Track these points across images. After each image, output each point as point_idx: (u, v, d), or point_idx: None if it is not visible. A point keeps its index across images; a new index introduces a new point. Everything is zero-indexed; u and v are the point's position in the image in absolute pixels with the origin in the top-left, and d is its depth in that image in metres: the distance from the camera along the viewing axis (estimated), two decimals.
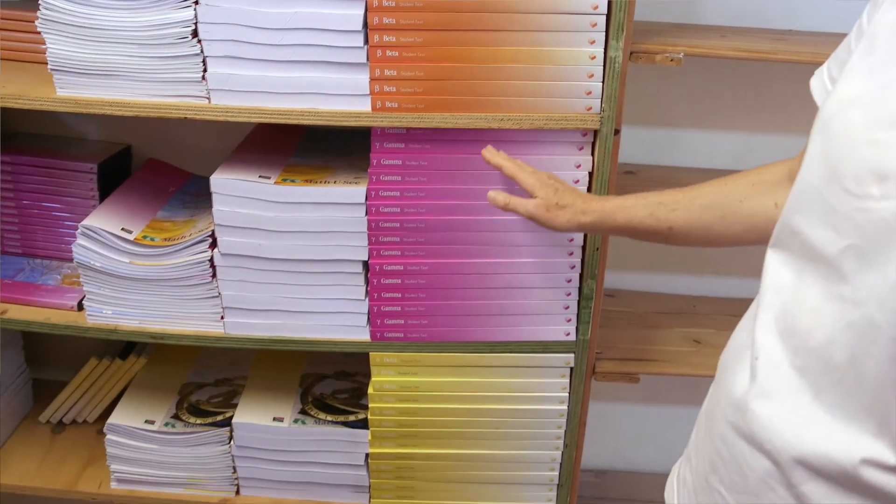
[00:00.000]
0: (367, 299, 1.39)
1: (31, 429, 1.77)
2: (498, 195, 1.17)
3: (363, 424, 1.51)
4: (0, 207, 1.58)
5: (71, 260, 1.50)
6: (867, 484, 0.65)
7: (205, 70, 1.26)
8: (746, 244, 1.01)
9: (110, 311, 1.44)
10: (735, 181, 1.00)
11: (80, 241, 1.38)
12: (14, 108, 1.30)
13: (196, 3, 1.22)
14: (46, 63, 1.29)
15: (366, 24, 1.22)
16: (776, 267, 0.74)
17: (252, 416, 1.54)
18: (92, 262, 1.39)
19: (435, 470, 1.52)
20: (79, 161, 1.54)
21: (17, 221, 1.59)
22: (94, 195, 1.54)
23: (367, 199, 1.31)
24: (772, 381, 0.70)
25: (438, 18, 1.21)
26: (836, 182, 0.64)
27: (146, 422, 1.57)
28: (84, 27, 1.24)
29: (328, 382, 1.65)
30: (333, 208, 1.32)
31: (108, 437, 1.57)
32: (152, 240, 1.39)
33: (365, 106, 1.26)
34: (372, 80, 1.24)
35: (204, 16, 1.23)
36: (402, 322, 1.40)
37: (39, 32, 1.27)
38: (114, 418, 1.57)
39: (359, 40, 1.23)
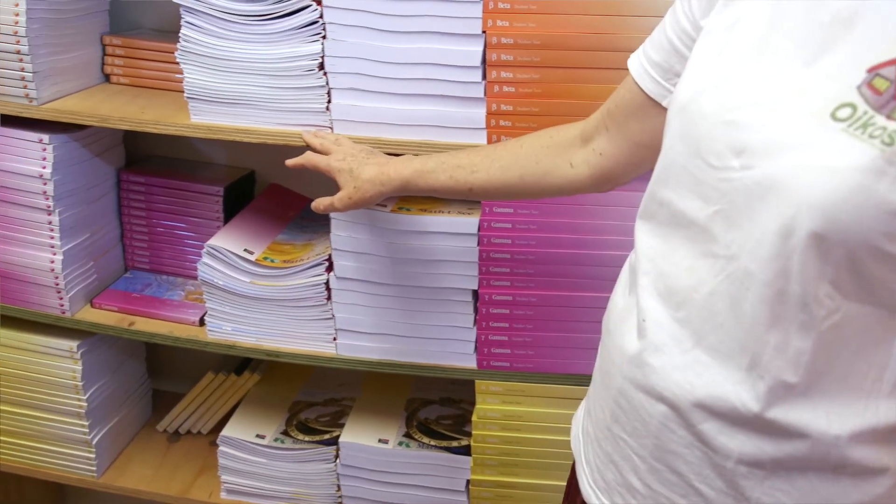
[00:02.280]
0: (475, 328, 1.42)
1: (149, 436, 1.85)
2: (319, 203, 1.22)
3: (466, 451, 1.54)
4: (132, 225, 1.67)
5: (194, 277, 1.57)
6: (748, 416, 0.73)
7: (329, 101, 1.32)
8: (549, 197, 1.17)
9: (230, 328, 1.50)
10: (530, 143, 1.08)
11: (206, 259, 1.45)
12: (149, 132, 1.39)
13: (324, 37, 1.29)
14: (177, 90, 1.37)
15: (484, 60, 1.26)
16: (645, 236, 0.83)
17: (358, 436, 1.58)
18: (215, 281, 1.46)
19: (535, 500, 1.52)
20: (207, 184, 1.62)
21: (146, 239, 1.68)
22: (220, 217, 1.61)
23: (479, 229, 1.35)
24: (659, 336, 0.79)
25: (555, 56, 1.24)
26: (699, 158, 0.74)
27: (257, 436, 1.63)
28: (219, 58, 1.32)
29: (433, 408, 1.68)
30: (446, 238, 1.36)
31: (221, 448, 1.63)
32: (272, 261, 1.45)
33: (481, 139, 1.29)
34: (488, 114, 1.28)
35: (331, 49, 1.29)
36: (509, 352, 1.42)
37: (174, 62, 1.36)
38: (227, 431, 1.64)
39: (477, 76, 1.26)
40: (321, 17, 1.27)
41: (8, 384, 1.64)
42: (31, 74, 1.38)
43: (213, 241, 1.45)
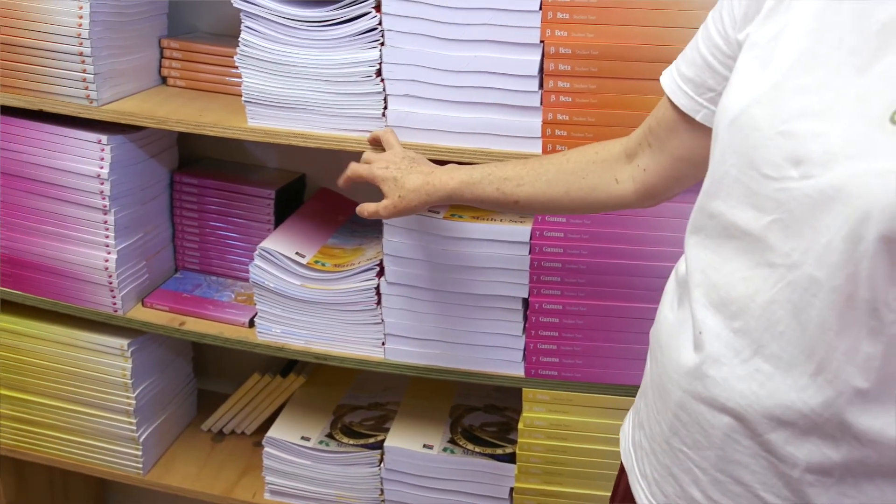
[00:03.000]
0: (523, 336, 1.42)
1: (194, 435, 1.87)
2: (364, 208, 1.22)
3: (510, 458, 1.54)
4: (184, 226, 1.69)
5: (243, 279, 1.59)
6: (818, 422, 0.73)
7: (385, 107, 1.33)
8: (592, 213, 1.21)
9: (279, 330, 1.52)
10: (576, 159, 1.09)
11: (257, 262, 1.47)
12: (204, 135, 1.41)
13: (382, 44, 1.30)
14: (232, 94, 1.38)
15: (541, 70, 1.26)
16: (695, 249, 0.84)
17: (403, 441, 1.59)
18: (266, 283, 1.47)
19: None
20: (258, 187, 1.63)
21: (197, 240, 1.69)
22: (271, 220, 1.63)
23: (531, 238, 1.35)
24: (716, 347, 0.79)
25: (613, 67, 1.24)
26: (753, 169, 0.75)
27: (302, 438, 1.64)
28: (278, 63, 1.33)
29: (477, 415, 1.68)
30: (498, 245, 1.36)
31: (266, 449, 1.65)
32: (323, 265, 1.46)
33: (536, 148, 1.30)
34: (544, 123, 1.28)
35: (388, 56, 1.30)
36: (557, 361, 1.42)
37: (230, 66, 1.38)
38: (272, 432, 1.65)
39: (534, 85, 1.27)
40: (380, 24, 1.29)
41: (58, 380, 1.67)
42: (92, 76, 1.41)
43: (265, 244, 1.46)
